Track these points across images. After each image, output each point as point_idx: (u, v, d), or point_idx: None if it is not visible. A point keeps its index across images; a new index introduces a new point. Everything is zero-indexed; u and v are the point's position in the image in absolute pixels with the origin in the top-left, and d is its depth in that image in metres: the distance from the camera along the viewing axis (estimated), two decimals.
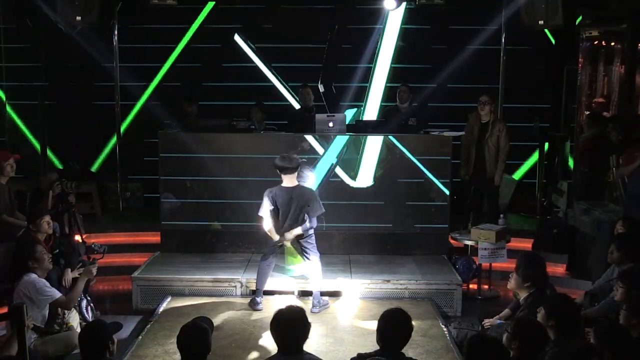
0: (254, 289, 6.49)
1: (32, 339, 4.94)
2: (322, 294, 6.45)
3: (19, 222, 6.62)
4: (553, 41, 9.54)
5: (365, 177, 7.65)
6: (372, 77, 9.38)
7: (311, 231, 6.39)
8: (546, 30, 9.23)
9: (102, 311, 6.24)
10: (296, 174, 6.29)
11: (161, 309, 6.35)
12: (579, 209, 7.67)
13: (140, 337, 5.68)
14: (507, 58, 8.87)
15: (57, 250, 5.93)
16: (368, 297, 6.70)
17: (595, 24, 9.04)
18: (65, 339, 5.07)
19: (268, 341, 5.33)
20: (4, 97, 9.63)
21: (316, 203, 6.29)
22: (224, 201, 7.62)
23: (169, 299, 6.59)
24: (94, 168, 9.91)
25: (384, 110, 9.11)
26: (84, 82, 9.61)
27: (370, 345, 4.25)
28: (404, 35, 9.41)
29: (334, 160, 7.61)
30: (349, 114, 9.03)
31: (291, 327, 3.65)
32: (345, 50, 9.25)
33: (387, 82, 9.29)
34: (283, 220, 6.27)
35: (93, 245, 6.03)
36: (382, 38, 9.34)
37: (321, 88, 8.39)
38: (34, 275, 5.06)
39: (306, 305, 6.20)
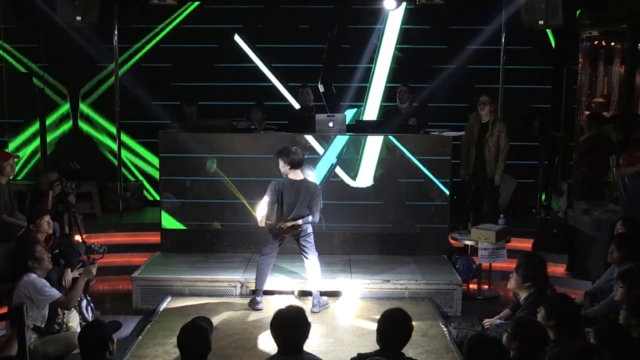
0: (254, 289, 6.49)
1: (32, 339, 4.94)
2: (322, 294, 6.45)
3: (19, 222, 6.63)
4: (553, 41, 9.53)
5: (365, 177, 7.65)
6: (372, 77, 9.39)
7: (310, 229, 6.39)
8: (547, 30, 9.23)
9: (102, 311, 6.23)
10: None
11: (161, 309, 6.35)
12: (579, 209, 7.67)
13: (140, 337, 5.68)
14: (507, 58, 8.86)
15: (57, 250, 5.94)
16: (368, 297, 6.70)
17: (595, 24, 9.05)
18: (65, 339, 5.07)
19: (268, 341, 5.32)
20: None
21: (320, 198, 6.33)
22: (224, 201, 7.63)
23: (169, 299, 6.59)
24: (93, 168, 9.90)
25: (384, 110, 9.12)
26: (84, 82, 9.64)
27: (370, 345, 4.25)
28: (404, 35, 9.43)
29: (334, 160, 7.61)
30: (349, 114, 9.06)
31: (291, 327, 3.65)
32: (345, 50, 9.25)
33: (387, 82, 9.30)
34: (289, 211, 6.23)
35: (93, 245, 6.03)
36: (382, 38, 9.34)
37: (321, 88, 8.39)
38: (33, 276, 5.06)
39: (306, 305, 6.20)
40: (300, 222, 6.24)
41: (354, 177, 7.66)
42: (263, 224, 6.35)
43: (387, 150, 7.61)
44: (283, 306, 3.82)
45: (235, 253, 7.57)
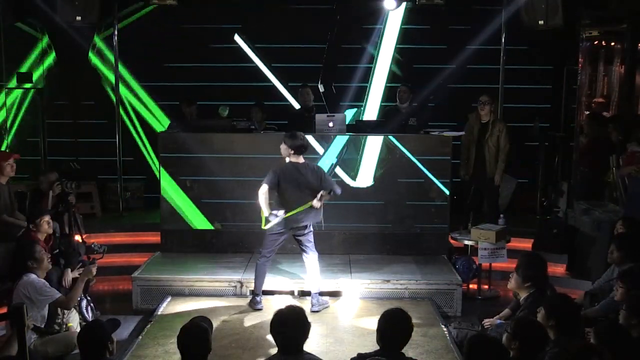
0: (252, 289, 6.48)
1: (32, 339, 4.94)
2: (322, 294, 6.46)
3: (19, 222, 6.62)
4: (553, 41, 9.54)
5: (365, 177, 7.65)
6: (372, 77, 9.39)
7: (310, 228, 6.39)
8: (547, 31, 9.23)
9: (102, 311, 6.23)
10: None
11: (161, 309, 6.35)
12: (579, 209, 7.67)
13: (140, 337, 5.68)
14: (507, 58, 8.86)
15: (57, 250, 5.94)
16: (368, 297, 6.70)
17: (595, 24, 9.05)
18: (65, 339, 5.07)
19: (268, 341, 5.33)
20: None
21: (327, 175, 6.41)
22: (224, 201, 7.62)
23: (169, 299, 6.59)
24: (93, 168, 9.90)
25: (384, 110, 9.11)
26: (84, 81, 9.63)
27: (370, 345, 4.25)
28: (404, 36, 9.42)
29: (334, 160, 7.61)
30: (349, 114, 9.05)
31: (291, 327, 3.65)
32: (345, 50, 9.25)
33: (387, 82, 9.30)
34: (296, 195, 6.17)
35: (93, 245, 6.03)
36: (382, 38, 9.34)
37: (321, 88, 8.40)
38: (33, 276, 5.06)
39: (306, 305, 6.20)
40: (328, 196, 6.20)
41: (354, 177, 7.66)
42: (268, 211, 6.08)
43: (387, 150, 7.61)
44: (283, 306, 3.82)
45: (235, 253, 7.57)
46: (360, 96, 9.51)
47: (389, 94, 9.19)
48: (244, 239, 7.60)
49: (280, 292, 6.73)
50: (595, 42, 9.63)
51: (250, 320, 6.10)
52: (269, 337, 3.80)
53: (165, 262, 7.34)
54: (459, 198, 8.18)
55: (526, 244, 7.65)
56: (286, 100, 9.55)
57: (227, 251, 7.62)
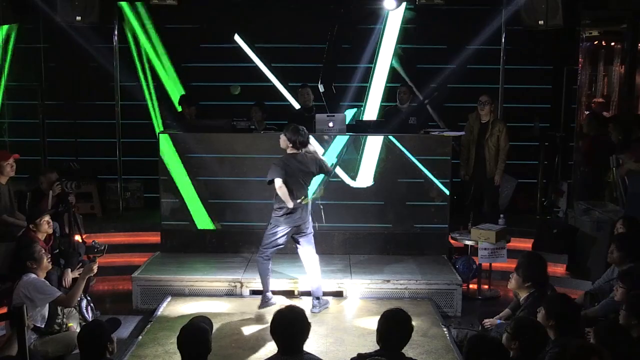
0: (255, 289, 6.47)
1: (32, 339, 4.94)
2: (322, 294, 6.45)
3: (19, 222, 6.62)
4: (553, 41, 9.53)
5: (365, 177, 7.65)
6: (372, 77, 9.38)
7: (310, 229, 6.40)
8: (547, 31, 9.22)
9: (102, 311, 6.24)
10: None
11: (161, 309, 6.35)
12: (579, 209, 7.67)
13: (140, 337, 5.68)
14: (507, 58, 8.86)
15: (57, 250, 5.94)
16: (368, 297, 6.70)
17: (595, 24, 9.05)
18: (65, 339, 5.07)
19: (268, 341, 5.33)
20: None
21: (322, 158, 6.49)
22: (224, 201, 7.62)
23: (169, 299, 6.59)
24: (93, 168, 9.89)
25: (384, 110, 9.11)
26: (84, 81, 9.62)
27: (370, 345, 4.25)
28: (404, 36, 9.41)
29: (334, 161, 7.61)
30: (349, 114, 9.03)
31: (291, 327, 3.65)
32: (345, 50, 9.24)
33: (387, 82, 9.29)
34: (299, 185, 6.18)
35: (94, 243, 6.01)
36: (382, 38, 9.34)
37: (321, 88, 8.39)
38: (33, 276, 5.06)
39: (306, 305, 6.20)
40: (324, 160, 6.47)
41: (354, 177, 7.66)
42: (291, 204, 6.09)
43: (387, 150, 7.61)
44: (283, 306, 3.82)
45: (235, 253, 7.57)
46: (360, 96, 9.49)
47: (389, 94, 9.19)
48: (244, 239, 7.60)
49: (280, 292, 6.73)
50: (595, 42, 9.64)
51: (250, 320, 6.10)
52: (269, 337, 3.80)
53: (165, 262, 7.34)
54: (459, 198, 8.18)
55: (526, 244, 7.65)
56: (286, 100, 9.53)
57: (227, 251, 7.62)
